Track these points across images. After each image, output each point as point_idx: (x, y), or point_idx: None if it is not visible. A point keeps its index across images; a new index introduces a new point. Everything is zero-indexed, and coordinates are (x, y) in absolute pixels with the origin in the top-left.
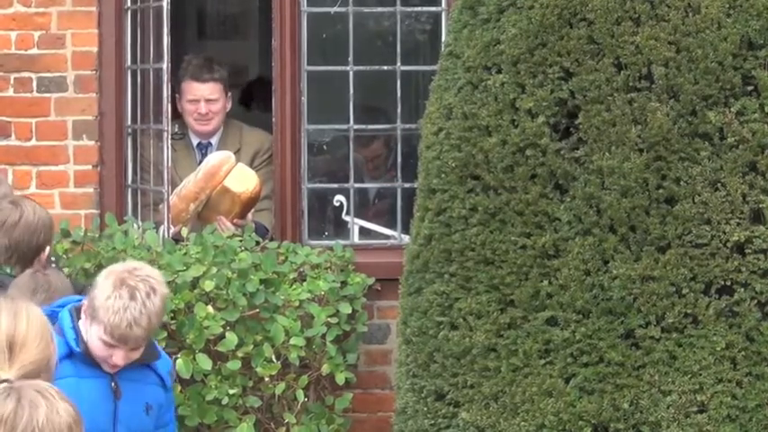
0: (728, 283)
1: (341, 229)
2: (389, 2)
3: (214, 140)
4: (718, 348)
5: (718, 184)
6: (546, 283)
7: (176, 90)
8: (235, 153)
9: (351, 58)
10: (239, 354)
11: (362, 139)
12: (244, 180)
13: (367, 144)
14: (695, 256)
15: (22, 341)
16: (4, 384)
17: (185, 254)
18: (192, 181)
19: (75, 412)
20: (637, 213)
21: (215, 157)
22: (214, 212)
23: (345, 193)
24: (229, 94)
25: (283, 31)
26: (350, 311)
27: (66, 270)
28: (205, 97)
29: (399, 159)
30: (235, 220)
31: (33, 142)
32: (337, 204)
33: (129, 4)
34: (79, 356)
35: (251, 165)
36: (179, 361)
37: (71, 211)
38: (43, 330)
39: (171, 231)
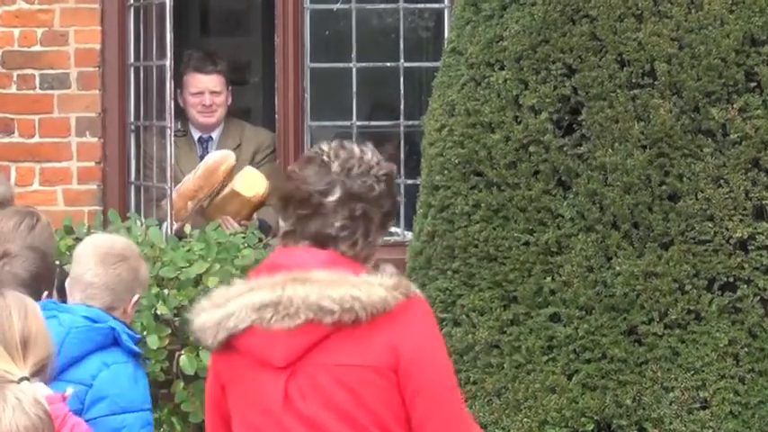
0: (731, 280)
1: None
2: None
3: (215, 135)
4: (721, 345)
5: (721, 181)
6: (549, 279)
7: (177, 84)
8: (235, 148)
9: (354, 55)
10: None
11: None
12: (253, 184)
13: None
14: (698, 253)
15: (35, 338)
16: (24, 382)
17: (189, 250)
18: (190, 179)
19: (28, 423)
20: (640, 210)
21: (214, 156)
22: (222, 214)
23: None
24: (230, 87)
25: (286, 27)
26: None
27: (69, 267)
28: (209, 89)
29: (402, 156)
30: (241, 222)
31: (36, 139)
32: None
33: (131, 0)
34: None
35: (252, 161)
36: (183, 357)
37: (74, 208)
38: (47, 327)
39: (173, 228)
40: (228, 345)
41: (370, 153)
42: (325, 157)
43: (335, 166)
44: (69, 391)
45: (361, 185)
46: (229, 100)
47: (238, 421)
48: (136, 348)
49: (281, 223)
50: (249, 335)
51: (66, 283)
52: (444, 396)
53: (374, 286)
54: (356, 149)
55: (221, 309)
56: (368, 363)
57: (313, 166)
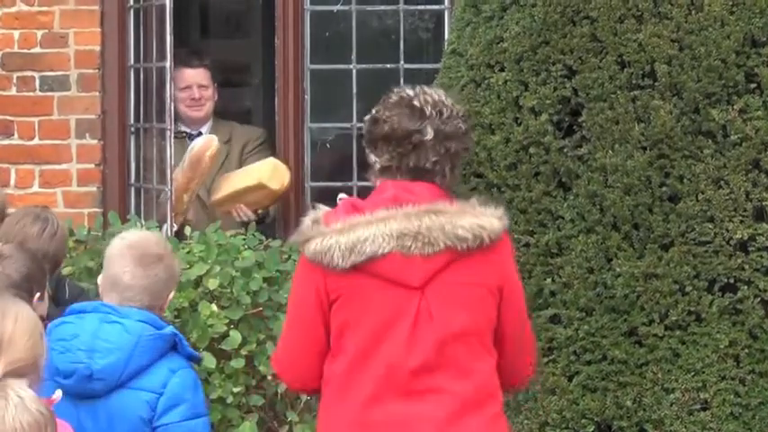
0: (732, 281)
1: None
2: (393, 0)
3: (204, 131)
4: (722, 346)
5: (722, 182)
6: (549, 280)
7: None
8: (225, 143)
9: (354, 57)
10: (243, 352)
11: None
12: (279, 176)
13: None
14: (698, 254)
15: (9, 339)
16: None
17: (189, 252)
18: (179, 173)
19: (31, 419)
20: (640, 211)
21: (197, 144)
22: (239, 203)
23: (349, 191)
24: (215, 84)
25: (286, 29)
26: None
27: (69, 269)
28: (197, 83)
29: None
30: (257, 211)
31: (36, 141)
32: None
33: (131, 2)
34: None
35: (242, 153)
36: None
37: (74, 210)
38: (32, 330)
39: (176, 223)
40: (354, 265)
41: (444, 95)
42: (416, 102)
43: (428, 110)
44: (58, 394)
45: (451, 126)
46: (216, 96)
47: (357, 333)
48: (196, 353)
49: (374, 159)
50: (387, 259)
51: (99, 283)
52: (524, 309)
53: (490, 217)
54: (435, 94)
55: (350, 233)
56: (484, 282)
57: (404, 109)
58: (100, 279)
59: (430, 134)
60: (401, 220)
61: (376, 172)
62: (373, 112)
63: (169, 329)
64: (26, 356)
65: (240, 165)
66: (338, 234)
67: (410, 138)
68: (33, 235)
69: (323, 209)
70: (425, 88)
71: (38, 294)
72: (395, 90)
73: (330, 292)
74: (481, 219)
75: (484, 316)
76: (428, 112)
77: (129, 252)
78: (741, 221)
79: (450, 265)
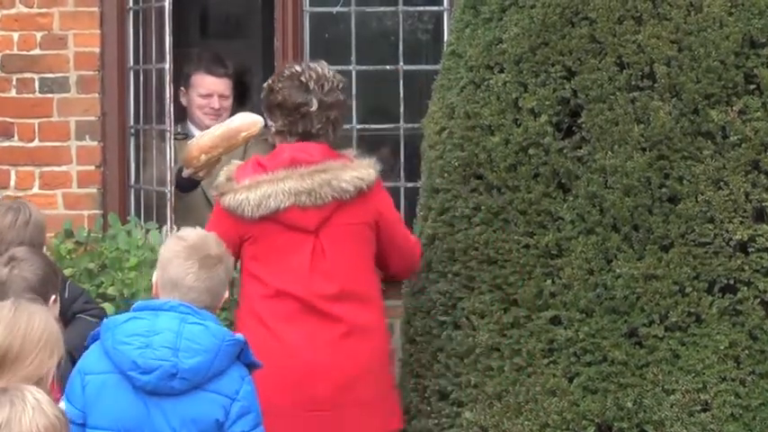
0: (732, 282)
1: None
2: (392, 1)
3: None
4: (722, 347)
5: (721, 183)
6: (549, 282)
7: (179, 83)
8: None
9: (353, 58)
10: None
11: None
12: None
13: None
14: (698, 255)
15: (16, 355)
16: None
17: None
18: (210, 134)
19: (47, 423)
20: (640, 212)
21: (239, 119)
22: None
23: None
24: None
25: (286, 30)
26: None
27: (69, 270)
28: (219, 92)
29: (402, 159)
30: None
31: (36, 143)
32: None
33: (131, 4)
34: None
35: (246, 145)
36: None
37: (74, 212)
38: (43, 343)
39: (185, 173)
40: (262, 216)
41: (327, 69)
42: (303, 78)
43: (312, 84)
44: (62, 405)
45: (332, 97)
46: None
47: (266, 266)
48: (257, 362)
49: (271, 123)
50: (287, 211)
51: (157, 282)
52: (402, 226)
53: (367, 168)
54: (319, 69)
55: (257, 190)
56: (363, 220)
57: (294, 82)
58: (154, 278)
59: (315, 105)
60: (296, 179)
61: (273, 134)
62: (270, 81)
63: (240, 336)
64: (29, 371)
65: (244, 156)
66: (247, 190)
67: (299, 109)
68: (6, 226)
69: (236, 164)
70: (311, 64)
71: (53, 297)
72: (287, 65)
73: (242, 234)
74: (360, 171)
75: (367, 247)
76: (311, 87)
77: (192, 253)
78: (741, 222)
79: (337, 211)
